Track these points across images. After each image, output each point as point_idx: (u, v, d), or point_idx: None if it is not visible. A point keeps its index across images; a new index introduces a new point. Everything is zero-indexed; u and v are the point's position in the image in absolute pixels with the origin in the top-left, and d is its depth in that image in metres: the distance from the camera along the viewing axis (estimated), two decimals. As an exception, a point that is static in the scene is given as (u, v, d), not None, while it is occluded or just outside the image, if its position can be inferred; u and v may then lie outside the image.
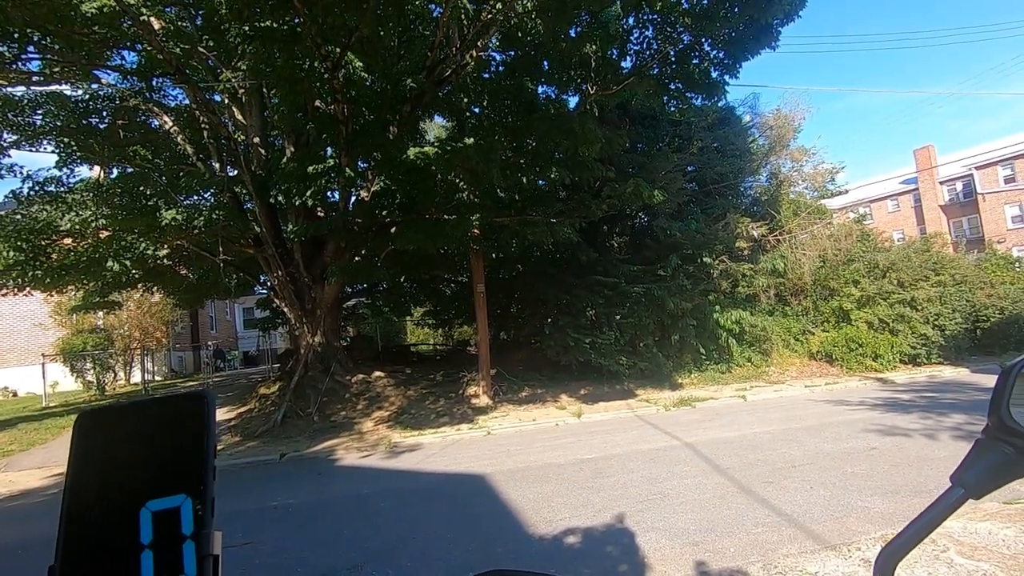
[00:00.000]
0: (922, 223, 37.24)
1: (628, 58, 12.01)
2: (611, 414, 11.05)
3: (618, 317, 13.50)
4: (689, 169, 16.51)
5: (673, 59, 11.36)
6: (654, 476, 6.26)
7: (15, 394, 18.77)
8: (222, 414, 12.32)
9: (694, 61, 11.24)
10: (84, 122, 12.03)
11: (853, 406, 10.15)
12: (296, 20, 7.96)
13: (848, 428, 8.21)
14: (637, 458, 7.24)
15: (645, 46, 11.68)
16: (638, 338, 13.93)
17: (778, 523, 4.59)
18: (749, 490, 5.50)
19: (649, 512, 5.04)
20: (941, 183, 37.43)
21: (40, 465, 9.34)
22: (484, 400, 12.06)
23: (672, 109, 15.07)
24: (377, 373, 13.17)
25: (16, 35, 9.01)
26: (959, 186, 36.79)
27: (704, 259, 14.65)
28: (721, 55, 11.24)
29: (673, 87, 11.92)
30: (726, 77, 11.50)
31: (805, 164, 19.24)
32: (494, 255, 14.41)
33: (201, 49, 10.44)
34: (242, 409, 12.84)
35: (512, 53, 12.07)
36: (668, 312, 13.68)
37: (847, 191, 21.59)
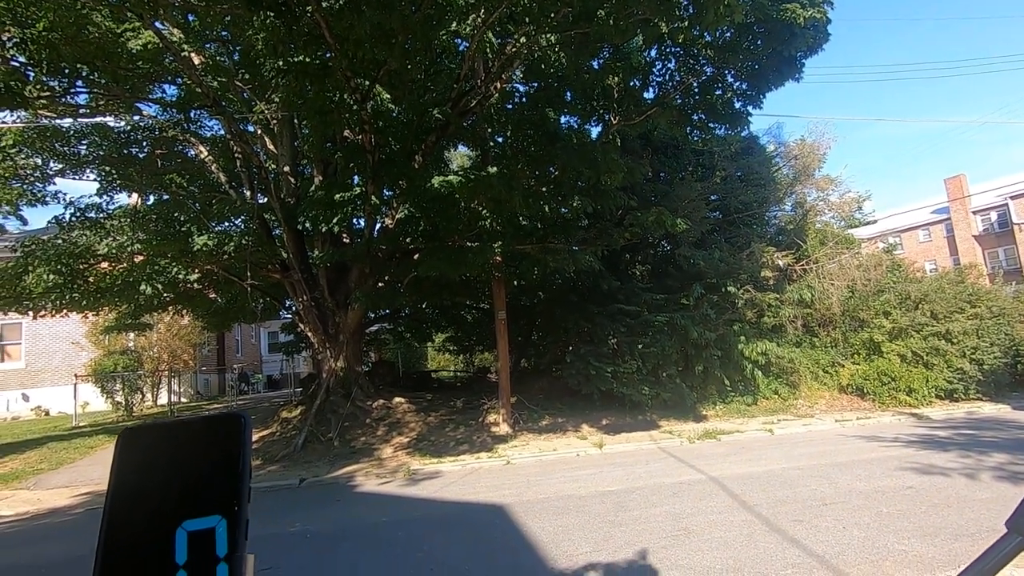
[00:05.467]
0: (955, 253, 36.30)
1: (651, 89, 12.16)
2: (633, 445, 10.81)
3: (640, 346, 13.32)
4: (712, 198, 16.44)
5: (696, 90, 11.46)
6: (678, 511, 6.08)
7: (47, 413, 19.23)
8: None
9: (717, 92, 11.33)
10: (125, 152, 12.59)
11: (887, 442, 9.76)
12: (328, 55, 8.27)
13: (882, 465, 7.88)
14: (660, 492, 7.05)
15: (668, 77, 11.82)
16: (661, 368, 13.70)
17: (809, 565, 4.40)
18: (778, 528, 5.29)
19: (673, 549, 4.88)
20: (974, 212, 36.57)
21: (67, 484, 9.50)
22: (504, 428, 11.93)
23: (695, 139, 15.13)
24: (398, 399, 13.18)
25: (67, 70, 9.54)
26: (993, 216, 35.89)
27: (728, 288, 14.44)
28: (744, 86, 11.31)
29: (696, 117, 12.00)
30: (749, 107, 11.56)
31: (831, 193, 19.00)
32: (516, 282, 14.43)
33: (237, 83, 10.90)
34: (264, 432, 12.93)
35: (535, 84, 12.32)
36: (692, 342, 13.46)
37: (875, 220, 21.23)
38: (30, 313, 10.94)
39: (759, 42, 10.02)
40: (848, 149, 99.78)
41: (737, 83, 11.36)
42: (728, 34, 10.07)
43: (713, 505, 6.27)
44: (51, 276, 9.51)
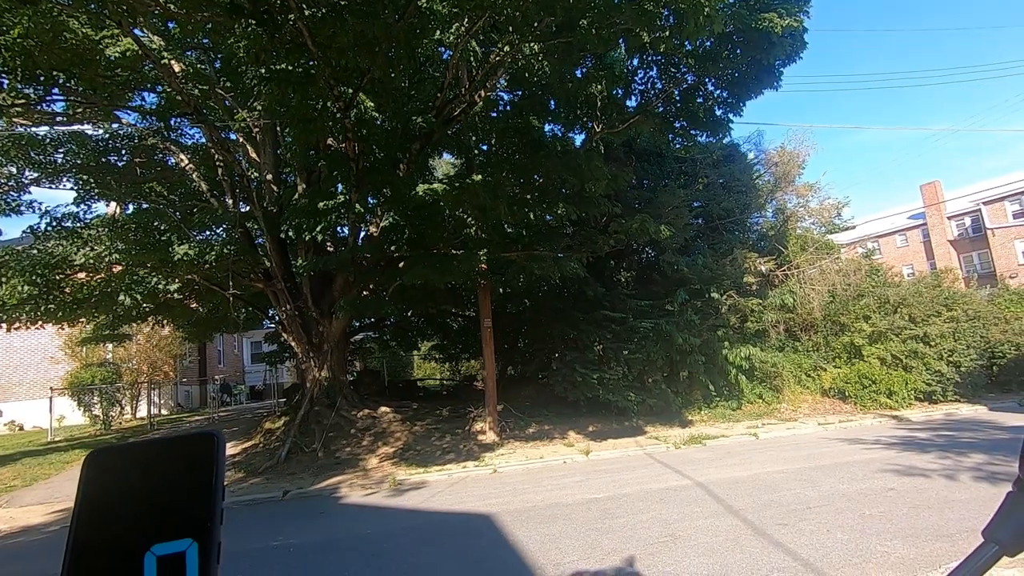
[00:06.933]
0: (932, 258, 37.04)
1: (633, 97, 12.28)
2: (620, 452, 10.83)
3: (626, 352, 13.37)
4: (695, 205, 16.63)
5: (677, 98, 11.60)
6: (665, 517, 6.09)
7: (21, 428, 18.71)
8: (227, 449, 12.22)
9: (698, 100, 11.47)
10: (103, 160, 12.37)
11: (868, 445, 9.90)
12: (311, 63, 8.23)
13: (864, 468, 7.98)
14: (647, 498, 7.06)
15: (650, 86, 11.95)
16: (646, 374, 13.76)
17: (794, 569, 4.43)
18: (763, 532, 5.32)
19: (660, 555, 4.88)
20: (949, 218, 37.39)
21: (42, 501, 9.24)
22: (491, 437, 11.88)
23: (677, 146, 15.29)
24: (383, 408, 13.06)
25: (42, 78, 9.38)
26: (968, 221, 36.73)
27: (712, 294, 14.58)
28: (725, 94, 11.47)
29: (678, 125, 12.14)
30: (730, 115, 11.71)
31: (811, 200, 19.32)
32: (501, 290, 14.43)
33: (219, 90, 10.80)
34: (247, 444, 12.72)
35: (519, 93, 12.39)
36: (676, 347, 13.55)
37: (854, 226, 21.59)
38: (3, 325, 10.66)
39: (738, 51, 10.18)
40: (827, 156, 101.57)
41: (718, 91, 11.52)
42: (708, 43, 10.21)
43: (699, 510, 6.29)
44: (26, 287, 9.29)
